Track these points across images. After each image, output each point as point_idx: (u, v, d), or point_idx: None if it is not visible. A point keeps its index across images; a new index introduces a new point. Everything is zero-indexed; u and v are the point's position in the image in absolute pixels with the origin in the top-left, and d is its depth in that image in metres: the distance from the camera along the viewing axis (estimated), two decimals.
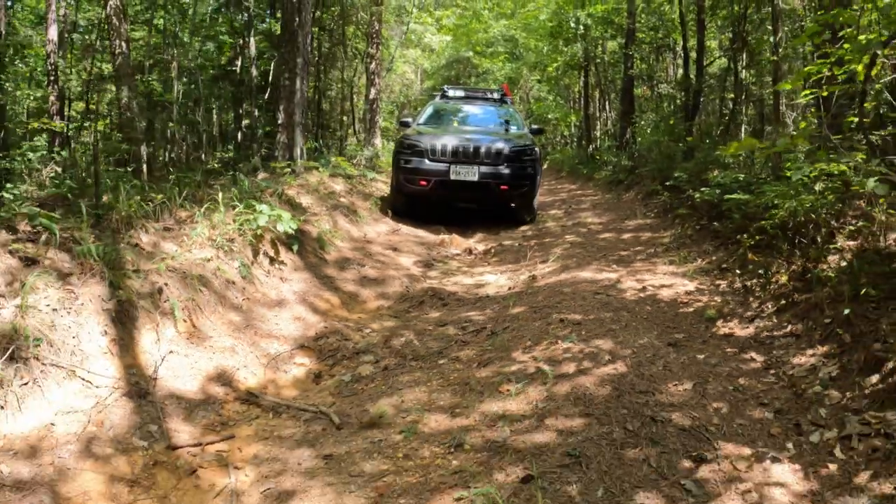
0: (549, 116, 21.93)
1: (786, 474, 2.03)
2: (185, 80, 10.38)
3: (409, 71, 24.37)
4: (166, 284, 3.79)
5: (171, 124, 8.92)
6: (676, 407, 2.41)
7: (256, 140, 10.55)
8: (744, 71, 10.41)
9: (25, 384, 2.83)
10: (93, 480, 2.57)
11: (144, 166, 9.94)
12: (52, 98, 13.14)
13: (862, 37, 2.94)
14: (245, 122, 11.67)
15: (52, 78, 13.10)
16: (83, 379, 3.03)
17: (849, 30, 3.04)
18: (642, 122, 14.17)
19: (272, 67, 10.17)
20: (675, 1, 12.17)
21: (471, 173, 7.63)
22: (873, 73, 3.26)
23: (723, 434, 2.24)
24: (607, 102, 19.81)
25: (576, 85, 21.13)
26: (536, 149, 8.28)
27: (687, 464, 2.07)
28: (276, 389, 3.54)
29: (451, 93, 10.51)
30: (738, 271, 4.00)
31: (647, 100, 16.78)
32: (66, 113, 13.65)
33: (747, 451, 2.14)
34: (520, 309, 4.13)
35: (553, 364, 2.91)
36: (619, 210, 8.61)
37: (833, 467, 2.03)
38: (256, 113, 10.93)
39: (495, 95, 10.48)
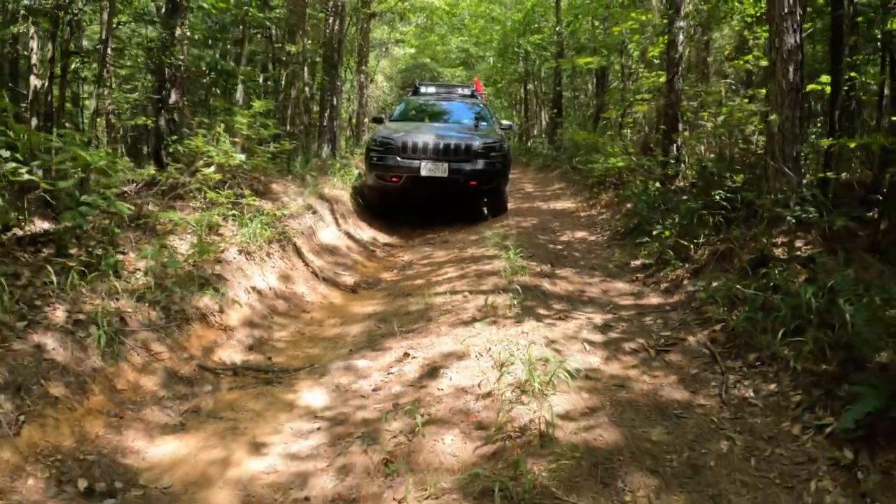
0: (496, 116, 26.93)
1: (583, 235, 7.05)
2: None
3: (382, 79, 28.89)
4: (334, 203, 8.49)
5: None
6: (554, 228, 7.42)
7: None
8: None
9: (319, 223, 7.47)
10: (356, 255, 7.28)
11: None
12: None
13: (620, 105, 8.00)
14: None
15: (107, 84, 17.14)
16: (331, 230, 7.70)
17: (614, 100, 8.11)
18: (566, 125, 19.33)
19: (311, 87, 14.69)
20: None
21: (441, 169, 7.70)
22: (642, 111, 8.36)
23: (567, 229, 7.26)
24: (542, 108, 24.89)
25: (518, 93, 26.29)
26: (506, 145, 8.27)
27: (556, 235, 7.07)
28: (396, 244, 8.31)
29: (423, 89, 10.60)
30: (588, 197, 9.10)
31: (571, 107, 22.03)
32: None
33: (571, 231, 7.16)
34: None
35: (510, 223, 7.84)
36: (545, 183, 13.66)
37: (597, 230, 7.07)
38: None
39: (466, 91, 10.60)
